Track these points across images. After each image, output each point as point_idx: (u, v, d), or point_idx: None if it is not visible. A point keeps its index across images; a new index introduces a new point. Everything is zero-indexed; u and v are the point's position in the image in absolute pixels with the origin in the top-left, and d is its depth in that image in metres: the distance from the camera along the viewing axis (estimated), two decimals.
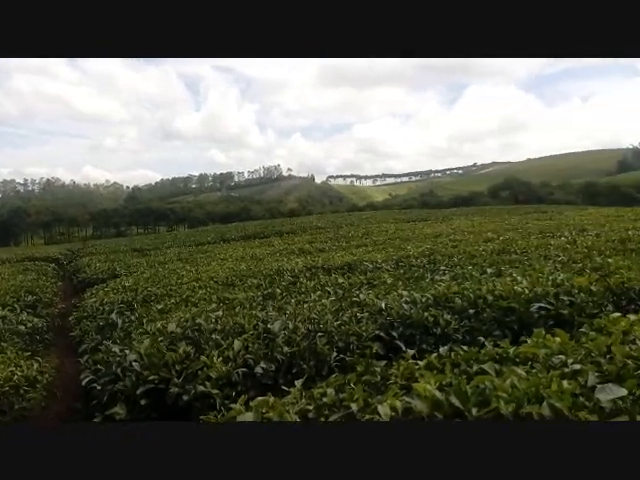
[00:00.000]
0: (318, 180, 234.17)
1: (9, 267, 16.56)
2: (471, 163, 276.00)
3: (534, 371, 2.39)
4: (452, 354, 2.93)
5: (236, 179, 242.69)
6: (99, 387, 3.91)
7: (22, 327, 6.71)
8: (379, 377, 2.80)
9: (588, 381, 2.13)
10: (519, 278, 5.56)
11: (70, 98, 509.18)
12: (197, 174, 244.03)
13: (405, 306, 4.72)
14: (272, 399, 2.50)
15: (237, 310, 5.63)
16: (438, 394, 2.06)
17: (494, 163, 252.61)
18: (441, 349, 3.06)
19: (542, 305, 4.53)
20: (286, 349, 3.97)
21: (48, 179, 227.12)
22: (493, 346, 3.05)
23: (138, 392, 3.65)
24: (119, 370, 3.94)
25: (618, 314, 3.35)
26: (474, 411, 1.94)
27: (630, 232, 11.03)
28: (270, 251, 15.01)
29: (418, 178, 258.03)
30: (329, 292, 6.55)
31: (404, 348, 3.93)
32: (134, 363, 3.91)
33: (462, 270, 7.30)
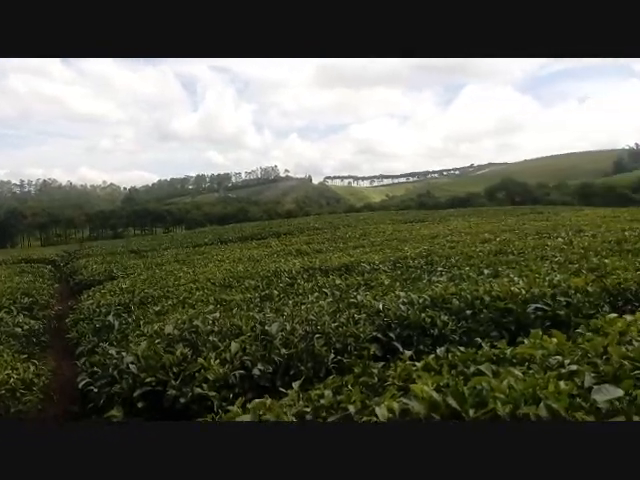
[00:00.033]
0: (315, 181, 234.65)
1: (5, 269, 16.47)
2: (468, 164, 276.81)
3: (531, 372, 2.39)
4: (449, 355, 2.94)
5: (233, 180, 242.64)
6: (96, 390, 3.89)
7: (18, 329, 6.68)
8: (376, 378, 2.80)
9: (585, 382, 2.13)
10: (516, 279, 5.58)
11: (66, 98, 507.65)
12: (194, 175, 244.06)
13: (402, 307, 4.73)
14: (269, 401, 2.50)
15: (234, 312, 5.62)
16: (435, 395, 2.06)
17: (491, 164, 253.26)
18: (438, 350, 3.06)
19: (539, 306, 4.54)
20: (283, 351, 3.97)
21: (44, 180, 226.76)
22: (490, 347, 3.05)
23: (135, 395, 3.64)
24: (116, 372, 3.92)
25: (614, 315, 3.36)
26: (471, 412, 1.94)
27: (626, 233, 11.07)
28: (267, 252, 15.01)
29: (415, 179, 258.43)
30: (326, 293, 6.55)
31: (401, 349, 3.94)
32: (131, 365, 3.90)
33: (459, 271, 7.32)
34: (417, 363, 2.84)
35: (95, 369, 4.19)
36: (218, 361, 3.82)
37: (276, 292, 7.16)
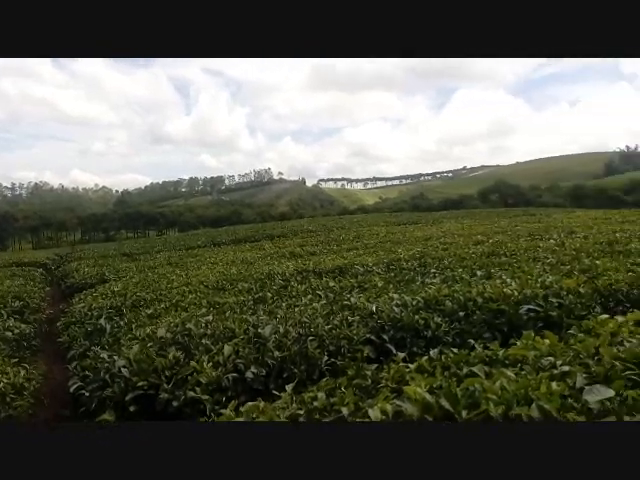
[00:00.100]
0: (309, 183, 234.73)
1: None
2: (461, 166, 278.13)
3: (523, 373, 2.40)
4: (442, 357, 2.94)
5: (227, 183, 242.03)
6: (87, 394, 3.86)
7: (9, 333, 6.61)
8: (370, 381, 2.80)
9: (576, 382, 2.15)
10: (508, 280, 5.61)
11: (58, 101, 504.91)
12: (187, 178, 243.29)
13: (396, 309, 4.73)
14: (262, 404, 2.49)
15: (227, 314, 5.60)
16: (428, 397, 2.06)
17: (483, 166, 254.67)
18: (431, 352, 3.07)
19: (531, 307, 4.56)
20: (277, 353, 3.96)
21: (36, 183, 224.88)
22: (483, 348, 3.06)
23: (127, 398, 3.62)
24: (108, 376, 3.89)
25: (606, 316, 3.39)
26: (464, 413, 1.94)
27: (617, 234, 11.18)
28: (261, 255, 14.97)
29: (409, 181, 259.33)
30: (320, 296, 6.54)
31: (395, 351, 3.94)
32: (123, 369, 3.87)
33: (452, 273, 7.35)
34: (410, 365, 2.84)
35: (87, 373, 4.16)
36: (211, 364, 3.80)
37: (269, 295, 7.15)
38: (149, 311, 6.83)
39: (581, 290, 4.95)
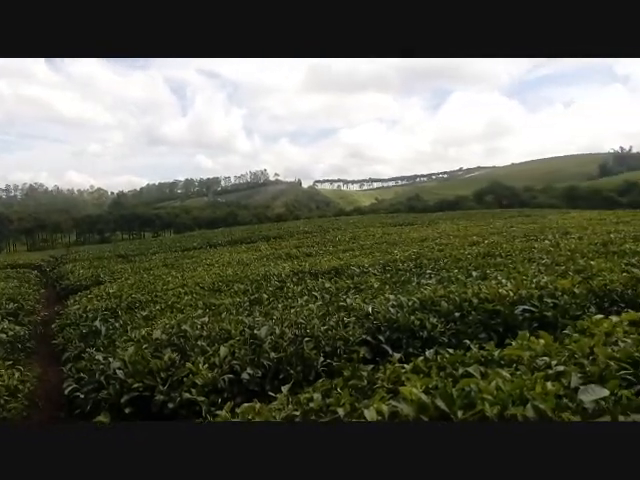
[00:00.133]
0: (305, 185, 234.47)
1: None
2: (456, 167, 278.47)
3: (519, 373, 2.41)
4: (438, 357, 2.95)
5: (223, 184, 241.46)
6: (82, 396, 3.84)
7: (3, 335, 6.58)
8: (366, 381, 2.80)
9: (571, 382, 2.15)
10: (504, 281, 5.62)
11: (53, 102, 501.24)
12: (183, 179, 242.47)
13: (392, 310, 4.74)
14: (258, 405, 2.49)
15: (223, 316, 5.59)
16: (424, 397, 2.06)
17: (479, 167, 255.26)
18: (427, 352, 3.07)
19: (526, 307, 4.58)
20: (273, 354, 3.95)
21: (31, 185, 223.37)
22: (478, 349, 3.07)
23: (122, 400, 3.60)
24: (103, 378, 3.88)
25: (601, 316, 3.41)
26: (460, 414, 1.95)
27: (612, 235, 11.24)
28: (257, 256, 14.96)
29: (404, 182, 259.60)
30: (316, 297, 6.55)
31: (391, 352, 3.94)
32: (118, 371, 3.86)
33: (448, 274, 7.37)
34: (406, 365, 2.85)
35: (82, 375, 4.14)
36: (207, 366, 3.79)
37: (265, 296, 7.14)
38: (144, 313, 6.81)
39: (576, 290, 4.97)
